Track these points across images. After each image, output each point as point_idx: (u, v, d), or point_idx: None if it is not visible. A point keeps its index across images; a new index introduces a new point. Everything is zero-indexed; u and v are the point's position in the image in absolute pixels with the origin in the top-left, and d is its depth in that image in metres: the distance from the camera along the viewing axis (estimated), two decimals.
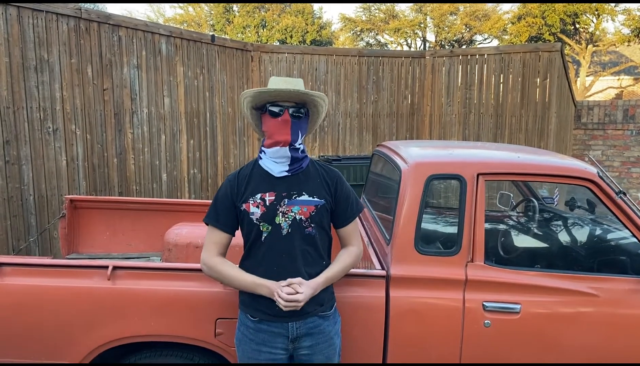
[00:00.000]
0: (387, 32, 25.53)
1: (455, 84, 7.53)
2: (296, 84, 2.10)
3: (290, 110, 2.09)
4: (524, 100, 7.17)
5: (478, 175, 2.52)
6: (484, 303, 2.44)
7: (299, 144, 2.14)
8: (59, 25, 4.83)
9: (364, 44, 26.44)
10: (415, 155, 2.72)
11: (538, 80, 7.04)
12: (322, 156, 7.02)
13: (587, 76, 22.42)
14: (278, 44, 21.49)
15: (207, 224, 2.17)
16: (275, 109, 2.08)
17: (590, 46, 21.26)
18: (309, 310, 2.08)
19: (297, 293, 1.99)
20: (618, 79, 24.76)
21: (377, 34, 26.45)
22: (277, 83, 2.09)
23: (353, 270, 2.50)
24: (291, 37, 21.96)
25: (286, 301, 1.97)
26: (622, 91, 24.45)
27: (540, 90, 7.04)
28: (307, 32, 22.25)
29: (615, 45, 21.73)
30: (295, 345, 2.12)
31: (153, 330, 2.39)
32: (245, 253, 2.18)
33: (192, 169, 6.39)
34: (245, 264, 2.16)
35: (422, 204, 2.51)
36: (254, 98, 2.11)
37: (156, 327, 2.39)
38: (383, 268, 2.53)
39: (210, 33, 6.32)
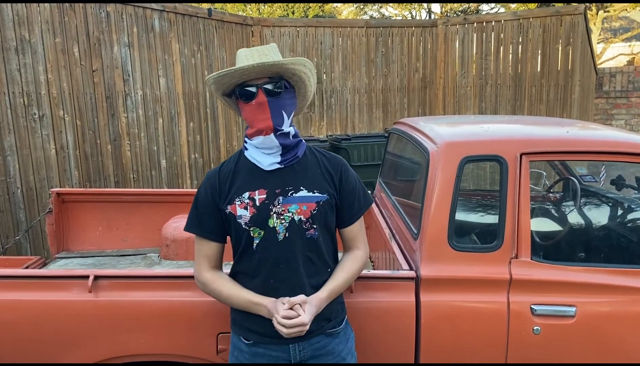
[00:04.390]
0: (390, 4, 24.73)
1: (470, 53, 7.06)
2: (265, 53, 1.68)
3: (265, 88, 1.67)
4: (545, 69, 6.70)
5: (521, 156, 2.13)
6: (532, 306, 2.07)
7: (288, 127, 1.73)
8: (39, 2, 4.41)
9: (368, 17, 25.73)
10: (444, 134, 2.32)
11: (560, 46, 6.56)
12: (330, 136, 6.63)
13: (597, 43, 21.66)
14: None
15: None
16: (246, 92, 1.67)
17: (601, 12, 20.45)
18: (314, 328, 1.70)
19: (299, 316, 1.62)
20: (629, 46, 23.94)
21: (380, 7, 25.64)
22: (243, 58, 1.68)
23: (377, 272, 2.15)
24: (293, 13, 21.31)
25: (289, 327, 1.60)
26: (634, 57, 23.66)
27: (562, 58, 6.57)
28: (310, 7, 21.57)
29: (626, 10, 20.90)
30: None
31: (145, 349, 2.05)
32: (235, 262, 1.81)
33: (193, 154, 6.02)
34: (238, 277, 1.79)
35: (456, 192, 2.12)
36: (218, 84, 1.71)
37: (148, 345, 2.05)
38: (411, 268, 2.16)
39: (207, 7, 5.88)
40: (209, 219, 1.76)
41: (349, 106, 7.15)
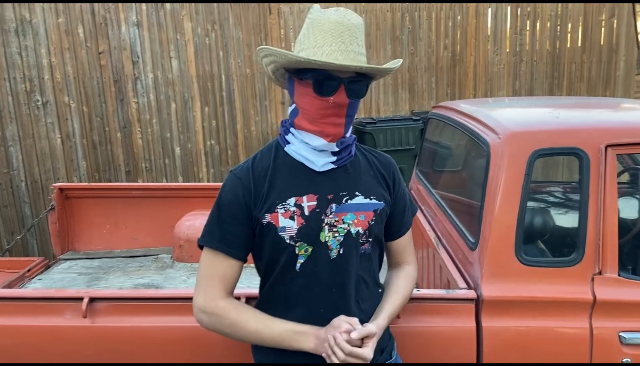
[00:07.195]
0: None
1: (504, 27, 6.54)
2: (356, 36, 1.26)
3: (351, 86, 1.27)
4: (586, 43, 6.18)
5: (606, 148, 1.73)
6: (621, 333, 1.69)
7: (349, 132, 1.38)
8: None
9: None
10: (506, 121, 1.92)
11: (604, 18, 6.02)
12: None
13: None
14: None
15: (204, 247, 1.38)
16: (325, 83, 1.26)
17: None
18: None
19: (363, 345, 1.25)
20: None
21: None
22: (330, 35, 1.24)
23: (428, 292, 1.78)
24: None
25: (349, 355, 1.22)
26: None
27: (606, 31, 6.03)
28: None
29: None
30: None
31: None
32: (264, 292, 1.43)
33: (209, 140, 5.66)
34: (268, 309, 1.39)
35: (525, 194, 1.73)
36: (282, 61, 1.29)
37: None
38: (469, 287, 1.78)
39: None
40: (237, 230, 1.34)
41: (373, 87, 6.71)
